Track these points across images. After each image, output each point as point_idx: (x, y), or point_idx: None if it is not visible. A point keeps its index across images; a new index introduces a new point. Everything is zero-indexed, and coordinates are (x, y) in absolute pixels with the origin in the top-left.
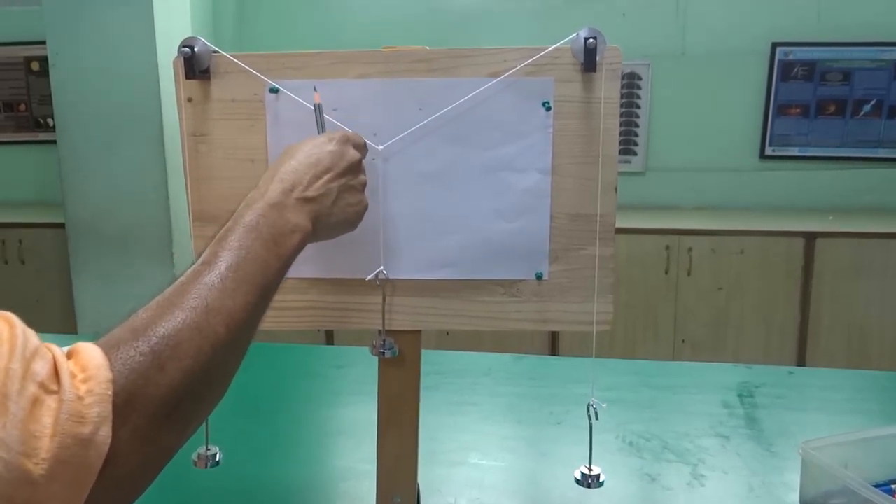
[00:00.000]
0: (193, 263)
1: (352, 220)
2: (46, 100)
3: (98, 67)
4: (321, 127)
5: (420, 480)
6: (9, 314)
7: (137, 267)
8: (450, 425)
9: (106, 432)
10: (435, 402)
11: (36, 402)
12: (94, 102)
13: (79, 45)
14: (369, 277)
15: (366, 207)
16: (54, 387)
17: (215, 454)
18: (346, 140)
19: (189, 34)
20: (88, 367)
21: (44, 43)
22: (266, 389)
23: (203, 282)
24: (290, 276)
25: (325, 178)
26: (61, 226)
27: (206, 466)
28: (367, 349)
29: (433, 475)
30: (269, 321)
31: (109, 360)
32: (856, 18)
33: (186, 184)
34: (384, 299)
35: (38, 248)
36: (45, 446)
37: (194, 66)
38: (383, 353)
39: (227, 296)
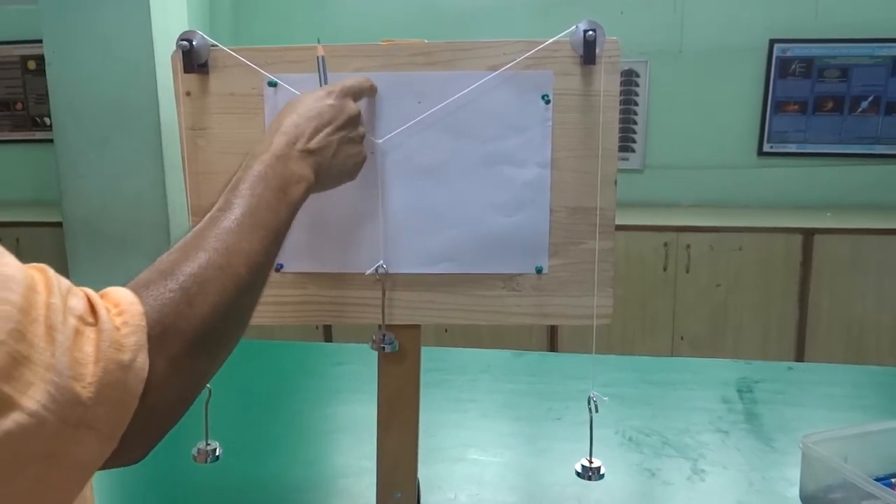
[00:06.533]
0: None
1: (351, 171)
2: (43, 98)
3: (95, 66)
4: (323, 79)
5: (420, 476)
6: (41, 264)
7: (135, 265)
8: (449, 422)
9: (143, 359)
10: (435, 399)
11: (77, 333)
12: (91, 101)
13: (75, 44)
14: (369, 272)
15: (364, 159)
16: (91, 319)
17: (215, 449)
18: (344, 94)
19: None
20: (121, 303)
21: (40, 41)
22: (265, 387)
23: (221, 226)
24: (289, 271)
25: (326, 131)
26: (59, 225)
27: (205, 461)
28: (366, 346)
29: (433, 471)
30: (268, 316)
31: (140, 297)
32: (854, 15)
33: (185, 178)
34: (384, 293)
35: (36, 248)
36: (91, 371)
37: (192, 60)
38: (383, 347)
39: (245, 239)
